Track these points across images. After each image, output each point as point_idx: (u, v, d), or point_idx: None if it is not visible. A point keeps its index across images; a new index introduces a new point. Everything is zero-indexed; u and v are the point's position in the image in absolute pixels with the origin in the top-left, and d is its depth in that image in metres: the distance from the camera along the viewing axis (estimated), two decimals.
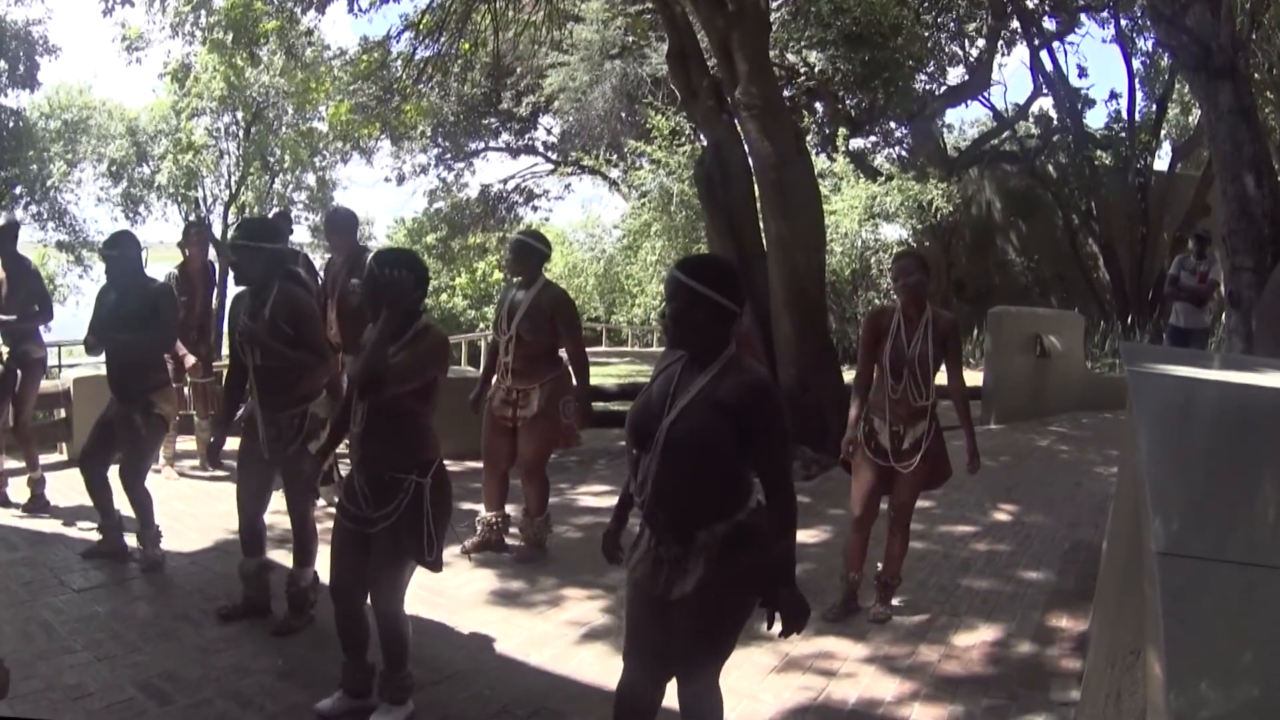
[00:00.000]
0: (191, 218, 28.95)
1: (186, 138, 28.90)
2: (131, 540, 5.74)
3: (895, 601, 5.34)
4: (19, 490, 6.83)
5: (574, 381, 6.04)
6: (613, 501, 3.43)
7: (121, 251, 5.75)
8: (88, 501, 5.80)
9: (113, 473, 5.69)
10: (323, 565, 5.80)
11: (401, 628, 3.92)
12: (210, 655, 4.48)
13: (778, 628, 3.01)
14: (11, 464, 7.04)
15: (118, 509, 5.76)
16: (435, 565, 3.91)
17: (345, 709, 4.00)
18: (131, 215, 30.18)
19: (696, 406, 2.91)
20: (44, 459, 7.14)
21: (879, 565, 5.30)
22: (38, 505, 6.68)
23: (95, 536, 5.83)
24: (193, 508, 6.80)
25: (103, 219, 30.83)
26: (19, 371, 6.79)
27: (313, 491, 4.83)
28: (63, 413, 8.35)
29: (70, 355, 18.13)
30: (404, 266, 3.83)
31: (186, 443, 8.35)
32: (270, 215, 10.03)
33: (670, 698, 3.20)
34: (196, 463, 8.14)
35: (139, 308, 5.62)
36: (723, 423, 2.88)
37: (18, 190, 28.43)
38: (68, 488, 6.37)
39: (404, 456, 3.80)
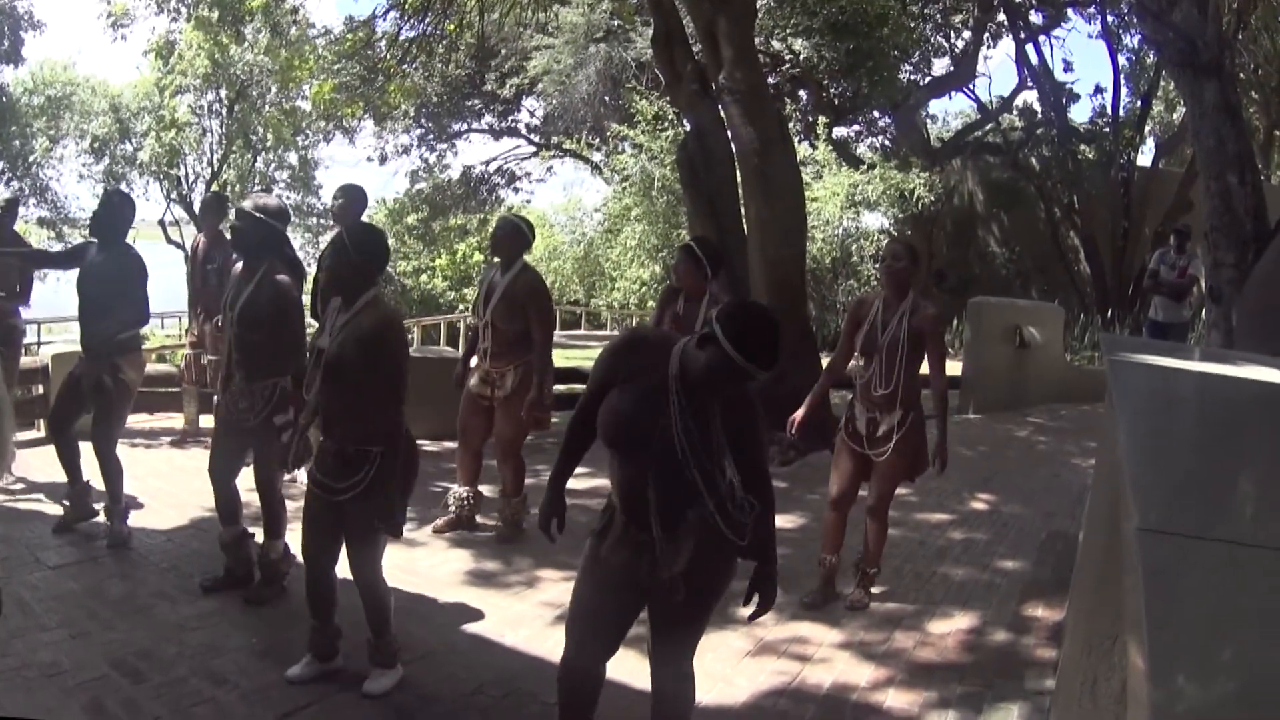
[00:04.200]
0: (174, 196, 28.93)
1: (170, 115, 28.70)
2: (100, 517, 5.69)
3: (872, 589, 5.35)
4: None
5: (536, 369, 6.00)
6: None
7: (128, 204, 5.80)
8: (64, 477, 5.74)
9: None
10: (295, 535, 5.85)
11: (382, 595, 3.99)
12: (185, 633, 4.45)
13: (752, 608, 3.13)
14: None
15: (87, 479, 5.72)
16: (395, 531, 3.98)
17: (315, 673, 4.06)
18: None
19: (701, 412, 2.91)
20: (20, 435, 7.09)
21: (858, 553, 5.30)
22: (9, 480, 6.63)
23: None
24: (170, 485, 6.75)
25: (85, 195, 30.77)
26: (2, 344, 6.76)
27: (282, 464, 4.81)
28: (40, 389, 8.28)
29: (49, 332, 18.04)
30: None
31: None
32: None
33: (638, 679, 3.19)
34: (176, 438, 8.14)
35: (116, 270, 5.53)
36: (727, 425, 2.93)
37: (0, 166, 28.25)
38: (44, 464, 6.31)
39: (367, 429, 3.82)
